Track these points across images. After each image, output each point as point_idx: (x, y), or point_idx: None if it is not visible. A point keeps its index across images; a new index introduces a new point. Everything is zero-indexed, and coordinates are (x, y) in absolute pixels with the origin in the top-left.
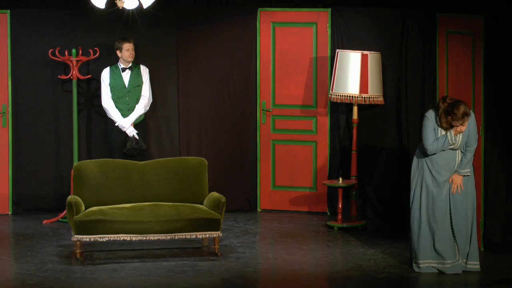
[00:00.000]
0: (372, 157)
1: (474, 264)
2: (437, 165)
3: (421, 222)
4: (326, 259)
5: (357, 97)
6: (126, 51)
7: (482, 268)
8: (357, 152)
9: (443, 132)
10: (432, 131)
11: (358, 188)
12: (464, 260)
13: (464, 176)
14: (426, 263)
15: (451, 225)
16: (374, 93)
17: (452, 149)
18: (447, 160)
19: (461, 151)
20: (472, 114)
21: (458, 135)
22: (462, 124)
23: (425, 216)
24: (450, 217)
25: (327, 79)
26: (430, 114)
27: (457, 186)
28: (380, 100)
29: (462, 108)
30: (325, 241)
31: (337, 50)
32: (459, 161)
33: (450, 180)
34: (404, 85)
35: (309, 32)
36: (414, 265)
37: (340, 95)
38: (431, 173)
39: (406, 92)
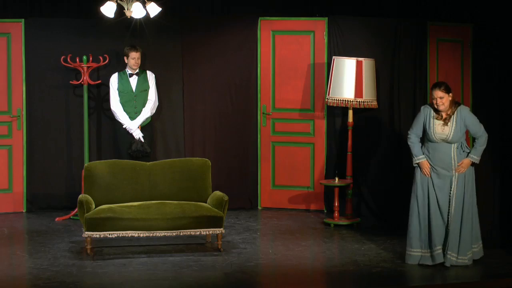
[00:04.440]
0: (367, 158)
1: (463, 259)
2: (434, 158)
3: (415, 214)
4: (323, 254)
5: (352, 101)
6: (132, 59)
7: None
8: (352, 153)
9: (434, 124)
10: (418, 122)
11: (353, 187)
12: (454, 255)
13: (472, 162)
14: (416, 252)
15: (448, 220)
16: (368, 97)
17: (445, 141)
18: (443, 155)
19: (459, 148)
20: (466, 108)
21: (446, 127)
22: (436, 96)
23: (421, 209)
24: (448, 212)
25: (324, 84)
26: (423, 108)
27: (461, 167)
28: (374, 104)
29: (434, 84)
30: (322, 237)
31: (333, 57)
32: (454, 157)
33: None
34: (396, 90)
35: (307, 40)
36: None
37: (336, 100)
38: (431, 168)
39: (399, 97)
